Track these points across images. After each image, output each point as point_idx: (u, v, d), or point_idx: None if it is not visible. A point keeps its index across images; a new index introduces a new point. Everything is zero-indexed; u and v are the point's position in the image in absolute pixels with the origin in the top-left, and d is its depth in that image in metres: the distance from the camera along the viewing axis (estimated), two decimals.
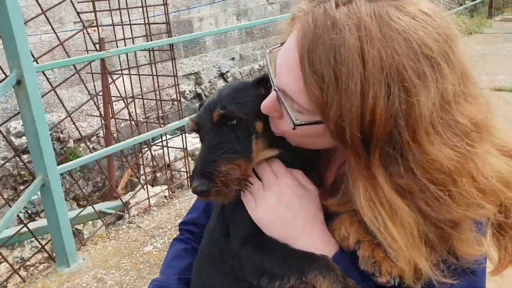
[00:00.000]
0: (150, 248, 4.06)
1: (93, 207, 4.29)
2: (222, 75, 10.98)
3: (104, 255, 4.04)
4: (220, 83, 10.90)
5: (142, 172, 5.18)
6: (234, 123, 1.17)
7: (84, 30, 4.07)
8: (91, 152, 4.00)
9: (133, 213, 4.64)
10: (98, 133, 6.39)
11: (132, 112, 4.85)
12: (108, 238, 4.29)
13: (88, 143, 6.39)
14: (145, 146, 4.97)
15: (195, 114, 1.25)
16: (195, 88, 10.11)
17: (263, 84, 1.23)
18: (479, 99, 1.00)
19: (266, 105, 1.13)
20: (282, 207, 1.18)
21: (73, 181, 4.54)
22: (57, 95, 3.80)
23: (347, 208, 1.14)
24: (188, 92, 9.98)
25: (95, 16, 4.05)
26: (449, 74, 0.92)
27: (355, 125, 0.92)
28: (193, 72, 9.83)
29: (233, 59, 11.25)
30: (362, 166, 0.98)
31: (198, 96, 10.30)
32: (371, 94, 0.89)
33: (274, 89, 1.08)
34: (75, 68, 3.82)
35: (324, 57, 0.91)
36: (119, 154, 5.17)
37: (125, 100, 4.53)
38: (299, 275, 1.11)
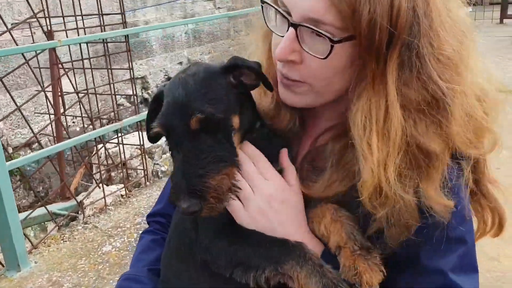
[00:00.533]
0: (109, 248, 3.85)
1: (45, 207, 4.02)
2: (169, 80, 10.80)
3: (59, 257, 3.79)
4: None
5: (95, 171, 4.93)
6: (213, 127, 1.05)
7: (33, 21, 3.81)
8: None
9: (88, 213, 4.40)
10: (41, 139, 5.90)
11: (86, 109, 4.60)
12: (62, 239, 4.04)
13: (29, 151, 5.93)
14: (100, 143, 4.72)
15: (160, 115, 1.07)
16: (142, 93, 9.82)
17: (231, 70, 1.12)
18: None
19: (284, 49, 1.07)
20: (272, 212, 1.12)
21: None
22: None
23: (324, 195, 1.13)
24: (134, 96, 9.72)
25: (46, 4, 3.79)
26: None
27: (385, 21, 0.97)
28: (139, 76, 9.54)
29: (180, 63, 11.08)
30: (377, 74, 1.02)
31: (145, 101, 10.02)
32: None
33: (292, 27, 1.04)
34: (24, 57, 3.56)
35: None
36: (70, 153, 4.90)
37: (78, 95, 4.28)
38: (274, 265, 1.05)
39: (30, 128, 3.75)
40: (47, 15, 3.91)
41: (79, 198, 4.60)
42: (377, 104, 1.04)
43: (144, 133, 4.74)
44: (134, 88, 4.45)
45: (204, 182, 1.00)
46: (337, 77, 1.10)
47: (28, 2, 3.60)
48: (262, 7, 1.16)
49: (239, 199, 1.13)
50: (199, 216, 1.05)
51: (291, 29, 1.06)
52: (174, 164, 1.07)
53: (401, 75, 1.03)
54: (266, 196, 1.12)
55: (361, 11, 0.97)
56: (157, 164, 5.08)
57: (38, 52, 3.96)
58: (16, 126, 6.38)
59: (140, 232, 4.20)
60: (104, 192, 4.43)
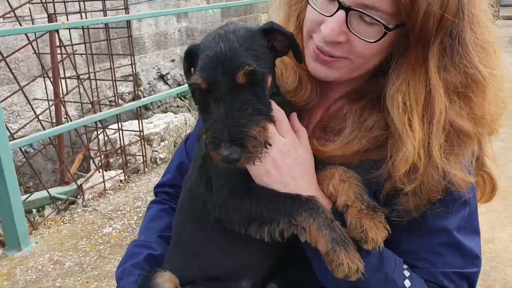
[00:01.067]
0: (109, 230, 3.88)
1: (47, 190, 4.04)
2: (162, 77, 10.69)
3: (59, 238, 3.82)
4: (160, 85, 10.63)
5: (93, 157, 4.94)
6: (255, 81, 1.06)
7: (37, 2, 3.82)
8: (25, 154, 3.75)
9: (88, 197, 4.41)
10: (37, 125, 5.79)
11: (87, 93, 4.60)
12: (62, 221, 4.06)
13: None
14: (100, 128, 4.74)
15: (200, 69, 1.06)
16: (135, 90, 9.75)
17: (267, 33, 1.15)
18: None
19: (334, 31, 1.10)
20: (286, 167, 1.15)
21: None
22: None
23: (344, 153, 1.18)
24: (127, 94, 9.62)
25: None
26: None
27: (438, 11, 1.02)
28: (131, 73, 9.45)
29: (173, 61, 10.99)
30: (419, 58, 1.08)
31: (137, 98, 9.95)
32: None
33: (344, 10, 1.08)
34: (28, 38, 3.58)
35: None
36: (69, 139, 4.91)
37: (79, 79, 4.29)
38: (288, 218, 1.09)
39: (33, 109, 3.76)
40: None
41: (78, 183, 4.61)
42: (417, 87, 1.09)
43: (143, 120, 4.67)
44: (134, 75, 4.48)
45: (246, 131, 1.02)
46: (376, 56, 1.16)
47: None
48: None
49: None
50: (236, 166, 1.05)
51: (342, 12, 1.08)
52: (210, 117, 1.07)
53: (442, 60, 1.09)
54: (281, 151, 1.15)
55: (421, 6, 1.02)
56: (156, 151, 5.11)
57: (40, 34, 3.97)
58: (6, 121, 6.28)
59: (140, 215, 4.21)
60: (103, 177, 4.46)
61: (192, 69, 1.16)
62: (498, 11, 1.21)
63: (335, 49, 1.15)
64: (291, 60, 1.27)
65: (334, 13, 1.09)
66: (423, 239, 1.17)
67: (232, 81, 1.03)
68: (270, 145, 1.11)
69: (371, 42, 1.10)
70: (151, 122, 5.41)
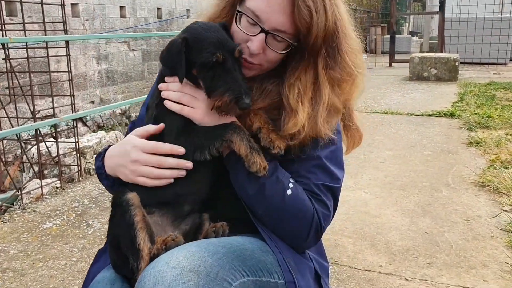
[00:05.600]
0: (50, 225, 4.19)
1: None
2: (80, 119, 10.49)
3: (1, 233, 4.06)
4: (79, 126, 10.53)
5: (27, 168, 5.20)
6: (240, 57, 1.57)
7: None
8: None
9: (25, 202, 4.68)
10: None
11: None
12: (1, 221, 4.30)
13: None
14: (37, 140, 5.06)
15: (214, 49, 1.50)
16: (51, 131, 9.50)
17: (226, 28, 1.63)
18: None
19: (258, 48, 1.57)
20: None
21: None
22: None
23: (253, 107, 1.60)
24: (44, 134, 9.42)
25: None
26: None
27: (322, 35, 1.54)
28: (49, 114, 9.11)
29: (92, 102, 10.99)
30: (311, 62, 1.61)
31: (54, 138, 9.70)
32: (327, 12, 1.52)
33: (264, 32, 1.55)
34: None
35: None
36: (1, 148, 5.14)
37: (22, 89, 4.63)
38: (220, 138, 1.52)
39: None
40: None
41: (14, 190, 4.86)
42: (307, 81, 1.59)
43: (78, 136, 4.99)
44: (71, 88, 4.91)
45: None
46: (278, 61, 1.66)
47: None
48: (236, 14, 1.62)
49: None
50: (219, 112, 1.53)
51: (263, 34, 1.55)
52: (221, 84, 1.50)
53: (327, 62, 1.59)
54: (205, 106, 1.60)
55: (313, 31, 1.51)
56: (89, 162, 5.48)
57: None
58: None
59: (79, 213, 4.65)
60: (41, 182, 4.76)
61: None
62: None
63: (253, 58, 1.60)
64: None
65: (257, 34, 1.56)
66: (302, 163, 1.64)
67: (233, 56, 1.53)
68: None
69: (281, 53, 1.60)
70: (84, 137, 5.80)
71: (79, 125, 10.48)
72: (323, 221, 1.61)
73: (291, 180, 1.60)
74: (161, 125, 1.62)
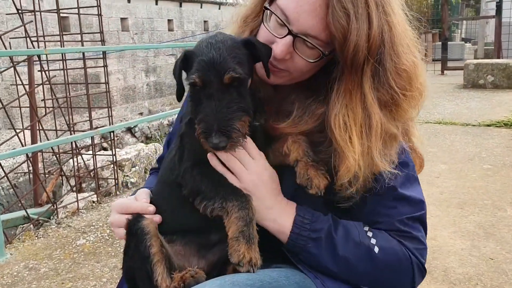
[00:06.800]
0: (83, 241, 4.06)
1: (24, 208, 4.21)
2: (129, 130, 10.75)
3: (34, 249, 3.97)
4: (127, 138, 10.71)
5: (66, 181, 5.14)
6: (238, 83, 1.28)
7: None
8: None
9: (61, 216, 4.59)
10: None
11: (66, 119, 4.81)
12: (36, 236, 4.22)
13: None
14: (75, 152, 4.99)
15: (196, 71, 1.28)
16: (101, 142, 9.76)
17: (249, 45, 1.36)
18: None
19: (284, 52, 1.36)
20: (262, 183, 1.40)
21: None
22: None
23: (292, 131, 1.42)
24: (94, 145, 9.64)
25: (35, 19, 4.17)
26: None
27: (364, 41, 1.28)
28: (99, 125, 9.35)
29: (141, 114, 11.14)
30: (355, 81, 1.34)
31: (104, 149, 9.97)
32: (372, 19, 1.28)
33: (292, 36, 1.34)
34: (12, 61, 3.90)
35: None
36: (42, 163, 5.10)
37: (57, 101, 4.58)
38: (222, 201, 1.31)
39: (13, 126, 4.02)
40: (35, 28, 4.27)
41: (50, 205, 4.79)
42: (355, 109, 1.33)
43: (117, 149, 4.93)
44: (109, 100, 4.81)
45: (232, 124, 1.25)
46: (311, 71, 1.44)
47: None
48: (264, 10, 1.44)
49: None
50: (221, 150, 1.29)
51: (290, 37, 1.34)
52: (201, 110, 1.28)
53: (374, 83, 1.33)
54: (255, 172, 1.39)
55: (350, 39, 1.26)
56: (127, 176, 5.36)
57: (23, 59, 4.30)
58: None
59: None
60: (77, 196, 4.66)
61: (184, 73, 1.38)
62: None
63: (280, 64, 1.40)
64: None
65: (284, 36, 1.35)
66: (377, 199, 1.40)
67: (221, 81, 1.26)
68: (248, 135, 1.36)
69: (311, 62, 1.38)
70: (122, 150, 5.69)
71: (128, 136, 10.62)
72: (422, 258, 1.43)
73: (370, 234, 1.41)
74: (152, 211, 1.51)
